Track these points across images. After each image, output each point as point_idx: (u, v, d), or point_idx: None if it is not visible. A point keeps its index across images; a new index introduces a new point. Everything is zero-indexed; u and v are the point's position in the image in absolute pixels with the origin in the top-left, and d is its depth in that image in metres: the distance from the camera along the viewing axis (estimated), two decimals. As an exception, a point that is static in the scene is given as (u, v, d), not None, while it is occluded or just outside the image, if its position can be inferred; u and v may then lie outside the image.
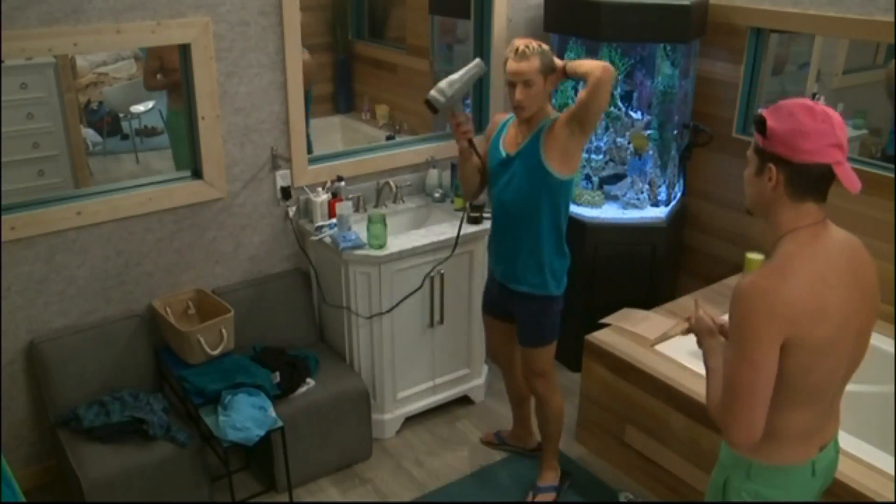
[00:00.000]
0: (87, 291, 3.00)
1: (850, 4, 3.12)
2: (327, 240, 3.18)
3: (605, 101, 2.53)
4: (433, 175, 3.63)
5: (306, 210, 3.36)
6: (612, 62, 3.50)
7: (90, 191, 3.03)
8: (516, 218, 2.70)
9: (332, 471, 3.20)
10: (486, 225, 3.32)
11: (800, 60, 3.78)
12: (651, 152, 3.71)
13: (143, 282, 3.11)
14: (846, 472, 2.26)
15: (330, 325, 3.42)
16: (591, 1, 3.34)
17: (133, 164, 4.37)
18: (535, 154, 2.60)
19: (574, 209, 3.55)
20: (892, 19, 2.98)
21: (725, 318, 1.82)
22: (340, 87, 4.77)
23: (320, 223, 3.26)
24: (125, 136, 4.46)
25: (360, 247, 3.10)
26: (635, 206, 3.71)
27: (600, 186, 3.79)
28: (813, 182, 1.64)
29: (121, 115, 4.44)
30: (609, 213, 3.70)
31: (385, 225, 3.12)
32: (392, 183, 3.52)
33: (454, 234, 3.06)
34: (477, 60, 2.65)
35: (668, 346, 2.92)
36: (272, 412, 2.85)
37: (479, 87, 3.76)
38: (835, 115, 1.63)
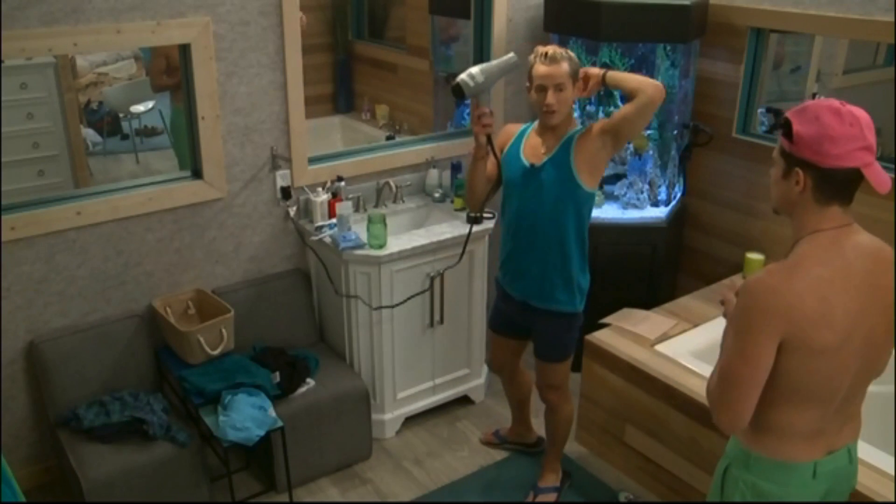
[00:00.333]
0: (86, 291, 3.00)
1: (850, 4, 3.12)
2: (327, 240, 3.18)
3: (648, 121, 2.44)
4: (433, 175, 3.62)
5: (306, 210, 3.36)
6: (612, 62, 3.50)
7: (90, 191, 3.03)
8: (543, 231, 2.60)
9: (332, 471, 3.20)
10: (487, 225, 3.32)
11: (793, 63, 3.78)
12: (651, 152, 3.71)
13: (143, 282, 3.11)
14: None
15: (330, 325, 3.42)
16: (591, 1, 3.33)
17: (133, 164, 4.38)
18: (566, 163, 2.52)
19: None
20: (892, 19, 2.98)
21: None
22: (340, 87, 4.77)
23: (320, 223, 3.26)
24: (125, 136, 4.46)
25: (360, 247, 3.10)
26: (635, 206, 3.71)
27: (600, 186, 3.79)
28: (840, 186, 1.62)
29: (121, 115, 4.44)
30: (609, 213, 3.70)
31: (385, 225, 3.12)
32: (392, 183, 3.51)
33: (454, 234, 3.07)
34: (511, 54, 2.54)
35: (668, 346, 2.91)
36: (272, 412, 2.85)
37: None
38: (863, 116, 1.60)
